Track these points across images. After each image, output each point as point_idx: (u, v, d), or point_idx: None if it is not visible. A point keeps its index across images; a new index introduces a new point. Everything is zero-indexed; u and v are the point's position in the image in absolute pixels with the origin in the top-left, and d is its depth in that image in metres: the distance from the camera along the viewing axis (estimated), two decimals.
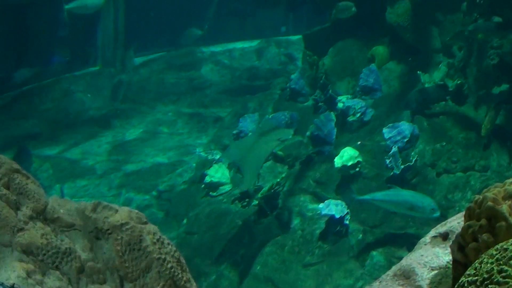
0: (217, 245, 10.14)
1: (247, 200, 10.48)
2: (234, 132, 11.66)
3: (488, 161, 9.64)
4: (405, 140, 10.11)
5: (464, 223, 2.49)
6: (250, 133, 11.10)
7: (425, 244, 2.71)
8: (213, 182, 10.91)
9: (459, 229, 2.71)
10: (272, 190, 10.31)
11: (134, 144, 14.49)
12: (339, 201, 9.64)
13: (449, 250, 2.65)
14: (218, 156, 11.38)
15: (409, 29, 11.35)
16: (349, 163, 10.04)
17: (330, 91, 11.50)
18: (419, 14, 11.24)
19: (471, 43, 10.24)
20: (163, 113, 15.69)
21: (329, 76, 11.96)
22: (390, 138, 10.16)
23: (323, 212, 9.48)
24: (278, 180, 10.41)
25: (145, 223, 2.66)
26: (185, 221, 10.89)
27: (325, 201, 9.65)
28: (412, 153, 10.12)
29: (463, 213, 2.82)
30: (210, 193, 10.94)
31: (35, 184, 2.60)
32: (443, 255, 2.63)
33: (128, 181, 13.00)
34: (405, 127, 10.20)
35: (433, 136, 10.25)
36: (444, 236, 2.70)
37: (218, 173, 10.98)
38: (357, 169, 10.09)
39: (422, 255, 2.65)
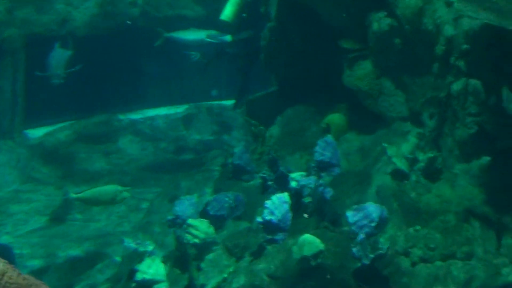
0: None
1: None
2: (169, 218, 11.53)
3: (472, 247, 9.83)
4: (373, 224, 10.16)
5: None
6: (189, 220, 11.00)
7: None
8: (146, 280, 10.68)
9: None
10: None
11: (40, 234, 14.16)
12: None
13: None
14: (151, 248, 11.22)
15: (371, 94, 11.63)
16: (310, 253, 10.05)
17: (281, 167, 11.58)
18: (382, 77, 11.56)
19: (445, 110, 10.55)
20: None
21: (278, 150, 12.07)
22: (355, 222, 10.21)
23: None
24: (225, 275, 10.31)
25: None
26: None
27: None
28: (382, 240, 10.20)
29: None
30: None
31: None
32: None
33: None
34: (372, 209, 10.27)
35: (404, 219, 10.38)
36: None
37: (152, 269, 10.79)
38: (319, 260, 10.10)
39: None
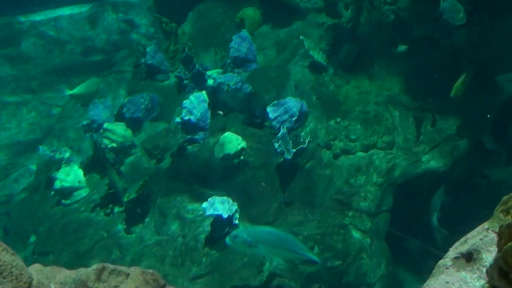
0: (80, 264, 9.82)
1: (110, 206, 10.26)
2: (84, 122, 11.31)
3: (392, 136, 10.01)
4: (294, 119, 10.23)
5: (500, 242, 2.52)
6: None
7: (447, 268, 2.76)
8: (65, 187, 10.54)
9: (484, 247, 2.78)
10: (141, 191, 10.15)
11: None
12: (225, 198, 9.61)
13: (478, 273, 2.71)
14: (68, 155, 10.97)
15: None
16: (232, 151, 10.06)
17: (197, 65, 11.42)
18: None
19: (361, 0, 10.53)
20: None
21: (192, 47, 11.86)
22: (276, 118, 10.24)
23: (208, 213, 9.41)
24: (147, 178, 10.26)
25: (164, 285, 2.49)
26: (33, 238, 10.48)
27: (209, 199, 9.58)
28: (303, 134, 10.27)
29: (483, 226, 2.89)
30: (63, 201, 10.57)
31: (8, 252, 2.30)
32: (473, 280, 2.68)
33: None
34: (292, 103, 10.32)
35: (325, 111, 10.46)
36: (468, 257, 2.76)
37: (70, 176, 10.63)
38: (242, 158, 10.13)
39: (447, 282, 2.69)
